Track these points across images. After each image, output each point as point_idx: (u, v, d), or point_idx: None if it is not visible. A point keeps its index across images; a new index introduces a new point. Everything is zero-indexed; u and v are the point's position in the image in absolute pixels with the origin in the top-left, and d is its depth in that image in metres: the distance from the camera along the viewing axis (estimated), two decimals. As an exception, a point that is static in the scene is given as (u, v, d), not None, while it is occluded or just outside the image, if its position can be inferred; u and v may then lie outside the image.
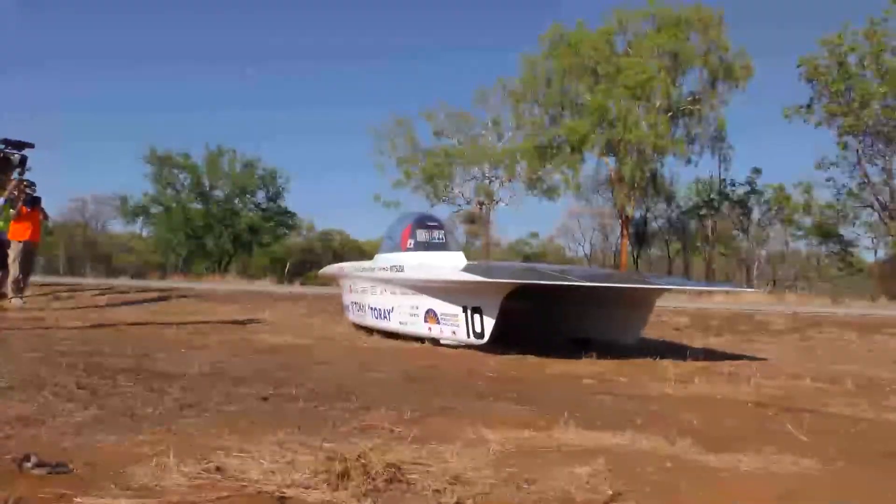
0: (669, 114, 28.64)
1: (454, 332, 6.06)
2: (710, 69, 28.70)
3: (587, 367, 5.29)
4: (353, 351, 5.96)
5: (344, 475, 2.00)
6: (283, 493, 1.90)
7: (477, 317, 5.80)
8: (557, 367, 5.28)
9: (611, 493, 2.05)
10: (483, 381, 4.41)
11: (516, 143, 34.16)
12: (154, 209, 32.23)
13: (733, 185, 34.61)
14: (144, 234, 37.66)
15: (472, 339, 5.86)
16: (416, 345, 6.49)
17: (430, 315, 6.36)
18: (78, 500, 1.78)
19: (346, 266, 8.73)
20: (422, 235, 7.11)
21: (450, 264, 6.35)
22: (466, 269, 5.93)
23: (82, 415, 2.83)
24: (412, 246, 7.06)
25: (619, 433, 2.87)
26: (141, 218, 32.43)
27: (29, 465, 2.02)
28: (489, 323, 5.69)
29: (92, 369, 4.02)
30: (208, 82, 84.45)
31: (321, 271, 10.60)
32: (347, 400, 3.47)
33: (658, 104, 27.83)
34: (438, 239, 7.10)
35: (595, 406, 3.60)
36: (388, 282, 7.05)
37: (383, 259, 7.37)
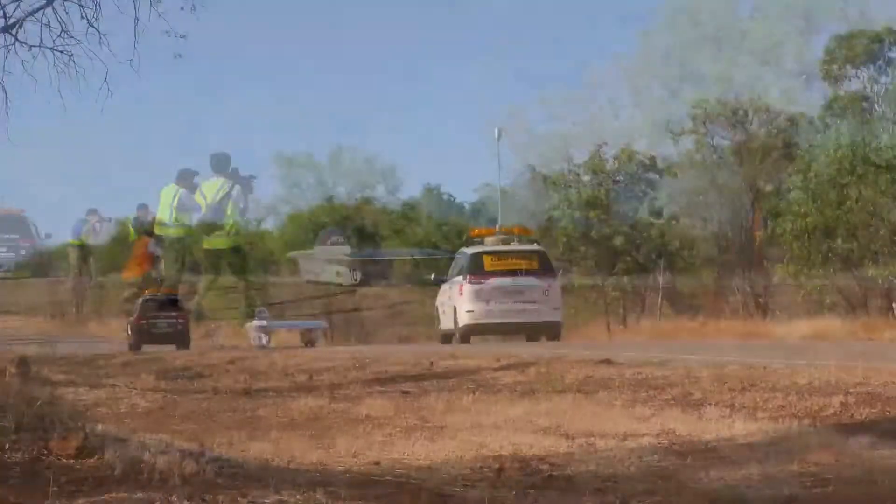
0: (803, 76, 26.52)
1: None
2: (848, 24, 26.22)
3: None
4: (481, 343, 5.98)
5: (501, 471, 1.98)
6: (443, 490, 1.91)
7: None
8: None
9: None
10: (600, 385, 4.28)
11: (634, 121, 32.96)
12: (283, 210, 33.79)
13: (880, 148, 31.58)
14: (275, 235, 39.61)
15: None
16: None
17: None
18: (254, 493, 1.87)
19: (297, 254, 18.33)
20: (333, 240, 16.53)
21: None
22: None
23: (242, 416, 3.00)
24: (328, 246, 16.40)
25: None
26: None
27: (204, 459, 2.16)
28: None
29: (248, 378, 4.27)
30: (324, 81, 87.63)
31: (290, 254, 19.87)
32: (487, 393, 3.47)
33: (789, 67, 25.85)
34: (340, 242, 16.34)
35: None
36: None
37: (318, 251, 16.89)
